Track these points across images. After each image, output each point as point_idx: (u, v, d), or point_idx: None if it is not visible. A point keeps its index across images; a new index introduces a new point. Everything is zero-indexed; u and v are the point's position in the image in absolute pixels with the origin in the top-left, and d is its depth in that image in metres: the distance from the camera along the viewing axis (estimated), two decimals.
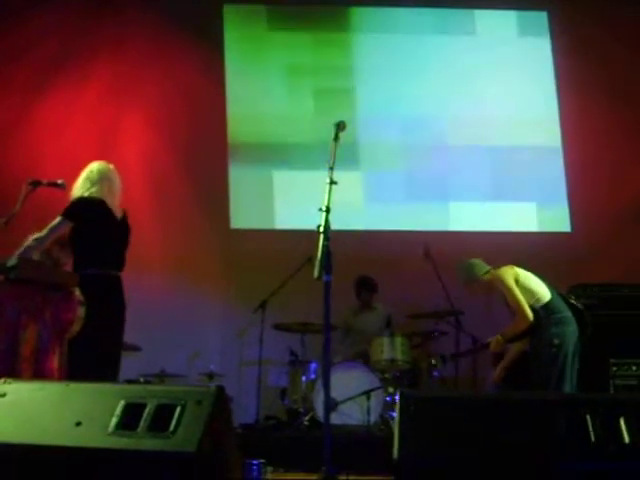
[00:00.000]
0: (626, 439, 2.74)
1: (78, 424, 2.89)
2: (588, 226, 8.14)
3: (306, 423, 6.63)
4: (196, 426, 2.79)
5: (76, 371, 4.78)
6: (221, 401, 2.94)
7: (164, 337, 7.47)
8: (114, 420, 2.88)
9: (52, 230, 4.95)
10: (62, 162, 7.44)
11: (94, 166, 5.23)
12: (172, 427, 2.81)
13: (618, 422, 2.78)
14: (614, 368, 6.03)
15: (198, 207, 8.18)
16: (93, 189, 5.11)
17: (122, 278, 5.23)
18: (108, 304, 5.11)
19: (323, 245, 3.58)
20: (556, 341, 5.24)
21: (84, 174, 5.20)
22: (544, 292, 5.47)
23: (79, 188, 5.15)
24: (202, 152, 8.27)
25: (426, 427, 2.79)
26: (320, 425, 6.52)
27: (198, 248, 8.04)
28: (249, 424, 6.88)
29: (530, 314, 5.31)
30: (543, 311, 5.38)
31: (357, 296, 7.62)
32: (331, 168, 3.81)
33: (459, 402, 2.94)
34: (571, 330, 5.37)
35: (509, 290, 5.39)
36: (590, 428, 2.76)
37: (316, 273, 3.53)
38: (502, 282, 5.45)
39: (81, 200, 5.09)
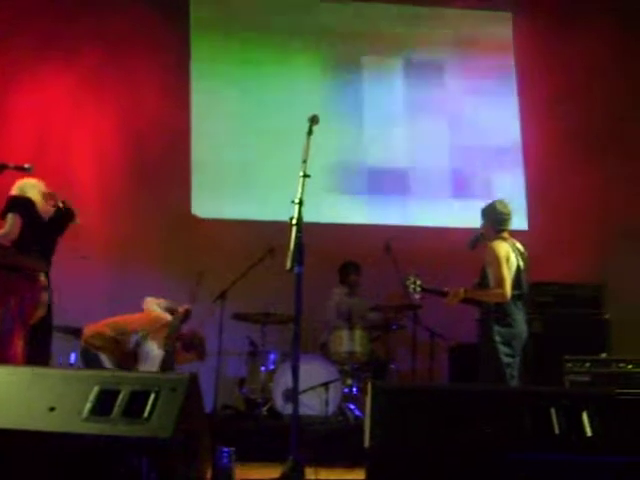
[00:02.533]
0: (588, 432, 2.84)
1: (52, 409, 2.89)
2: (544, 224, 8.29)
3: (265, 413, 6.66)
4: (171, 412, 2.82)
5: (35, 356, 4.78)
6: (194, 388, 2.97)
7: None
8: (88, 405, 2.89)
9: None
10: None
11: None
12: (146, 413, 2.84)
13: (581, 416, 2.88)
14: (568, 364, 6.14)
15: (158, 193, 8.13)
16: None
17: None
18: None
19: (296, 237, 3.62)
20: (497, 338, 5.30)
21: None
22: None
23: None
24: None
25: (396, 417, 2.85)
26: (279, 415, 6.57)
27: (159, 237, 8.00)
28: (206, 413, 6.87)
29: (508, 294, 5.30)
30: (497, 305, 5.40)
31: (343, 280, 7.66)
32: (304, 161, 3.86)
33: (429, 393, 3.02)
34: (517, 332, 5.39)
35: (498, 264, 5.37)
36: (554, 420, 2.85)
37: (288, 264, 3.57)
38: (495, 253, 5.41)
39: None
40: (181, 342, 6.21)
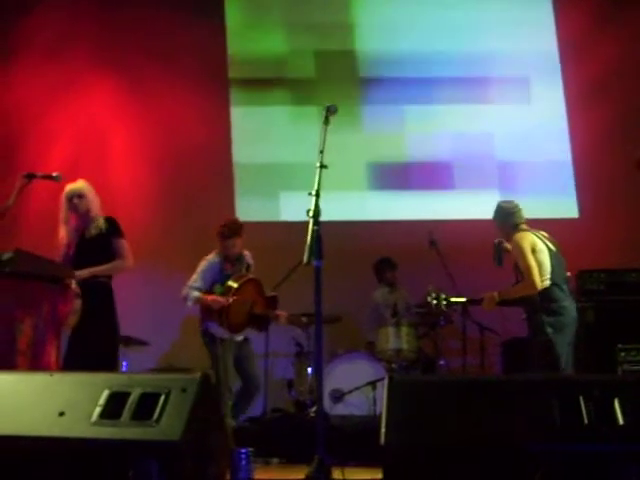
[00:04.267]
0: (620, 421, 2.66)
1: (61, 414, 2.85)
2: (595, 211, 8.03)
3: (312, 414, 6.57)
4: (180, 414, 2.75)
5: (71, 365, 4.77)
6: (206, 389, 2.89)
7: (170, 332, 7.43)
8: (98, 409, 2.84)
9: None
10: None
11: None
12: (156, 415, 2.77)
13: (612, 404, 2.70)
14: (622, 354, 5.94)
15: (204, 200, 8.11)
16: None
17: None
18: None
19: (313, 230, 3.51)
20: (549, 330, 5.15)
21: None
22: (551, 275, 5.25)
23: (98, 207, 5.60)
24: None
25: (414, 412, 2.72)
26: (327, 416, 6.48)
27: (206, 242, 7.97)
28: (256, 417, 6.84)
29: (539, 283, 5.14)
30: (543, 295, 5.22)
31: (380, 279, 7.53)
32: (321, 152, 3.76)
33: (448, 385, 2.87)
34: (568, 320, 5.24)
35: (522, 254, 5.22)
36: (583, 410, 2.68)
37: (305, 258, 3.47)
38: (517, 244, 5.29)
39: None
40: None
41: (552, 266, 5.26)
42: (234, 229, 6.13)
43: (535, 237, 5.37)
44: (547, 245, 5.35)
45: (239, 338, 6.13)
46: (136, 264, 5.67)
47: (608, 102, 8.14)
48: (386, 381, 2.89)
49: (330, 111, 3.91)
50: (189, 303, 6.05)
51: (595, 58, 8.24)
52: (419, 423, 2.72)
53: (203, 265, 6.12)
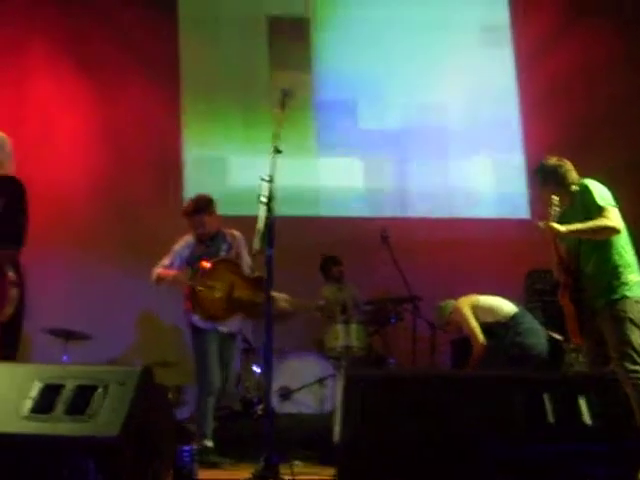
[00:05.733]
0: (586, 420, 2.54)
1: None
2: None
3: (260, 412, 6.39)
4: (119, 409, 2.54)
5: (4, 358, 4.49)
6: (148, 382, 2.69)
7: (116, 326, 7.17)
8: (28, 402, 2.61)
9: None
10: None
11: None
12: (92, 410, 2.56)
13: (577, 401, 2.58)
14: (572, 354, 5.87)
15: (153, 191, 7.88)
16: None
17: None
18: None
19: (266, 217, 3.33)
20: (515, 350, 5.40)
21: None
22: (509, 307, 5.73)
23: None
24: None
25: (369, 409, 2.56)
26: (275, 414, 6.30)
27: (152, 234, 7.73)
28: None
29: (481, 337, 5.57)
30: (511, 321, 5.64)
31: (326, 276, 7.34)
32: (277, 135, 3.58)
33: (406, 381, 2.72)
34: (537, 342, 5.54)
35: (464, 320, 5.70)
36: (548, 408, 2.56)
37: (256, 245, 3.28)
38: (458, 313, 5.75)
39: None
40: None
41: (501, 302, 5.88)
42: (199, 205, 5.45)
43: (473, 296, 5.88)
44: None
45: (223, 329, 5.42)
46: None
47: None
48: (341, 376, 2.73)
49: (286, 94, 3.74)
50: (151, 280, 5.33)
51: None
52: (375, 421, 2.55)
53: (177, 244, 5.49)
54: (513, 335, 5.60)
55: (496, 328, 5.72)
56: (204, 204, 5.48)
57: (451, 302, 5.91)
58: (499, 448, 2.51)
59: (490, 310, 5.75)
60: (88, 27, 8.05)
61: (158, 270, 5.33)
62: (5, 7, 7.87)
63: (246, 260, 5.50)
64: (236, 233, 5.55)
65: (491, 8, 8.52)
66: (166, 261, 5.40)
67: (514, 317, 5.68)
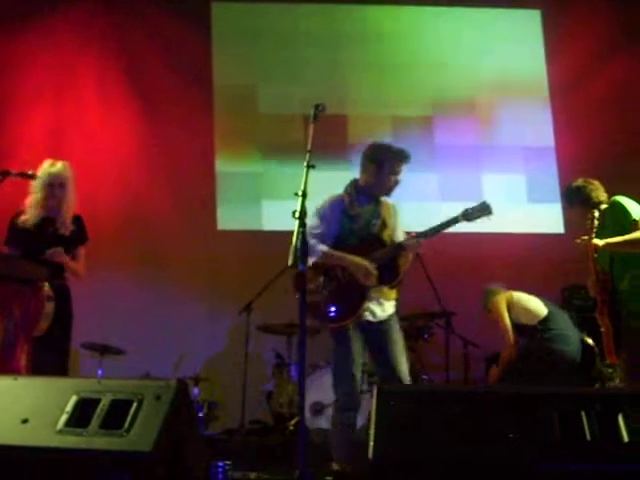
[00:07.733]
0: (625, 438, 2.49)
1: (24, 421, 2.64)
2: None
3: (291, 428, 6.37)
4: (153, 423, 2.54)
5: (43, 372, 4.54)
6: (182, 396, 2.69)
7: (149, 340, 7.21)
8: (64, 417, 2.63)
9: None
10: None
11: None
12: (127, 424, 2.56)
13: (616, 419, 2.53)
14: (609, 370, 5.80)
15: (183, 208, 7.91)
16: None
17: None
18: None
19: (299, 232, 3.32)
20: (542, 353, 5.54)
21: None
22: (541, 310, 5.84)
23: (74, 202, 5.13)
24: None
25: (404, 424, 2.54)
26: (308, 430, 6.27)
27: (183, 250, 7.77)
28: (233, 429, 6.65)
29: (512, 340, 5.75)
30: (540, 325, 5.75)
31: None
32: (309, 151, 3.58)
33: (441, 395, 2.69)
34: (565, 349, 5.59)
35: (499, 318, 5.86)
36: (585, 425, 2.51)
37: (290, 260, 3.27)
38: (495, 310, 5.92)
39: None
40: None
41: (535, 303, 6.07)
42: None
43: (508, 292, 6.10)
44: None
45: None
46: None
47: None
48: (375, 391, 2.70)
49: (319, 109, 3.74)
50: (312, 260, 4.12)
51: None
52: (410, 436, 2.53)
53: (323, 203, 4.48)
54: (541, 339, 5.72)
55: (527, 329, 5.86)
56: None
57: (495, 289, 6.08)
58: (535, 466, 2.46)
59: (524, 311, 5.91)
60: (136, 40, 8.21)
61: (323, 248, 4.32)
62: (58, 23, 8.01)
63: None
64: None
65: None
66: (318, 229, 4.38)
67: (544, 321, 5.79)
